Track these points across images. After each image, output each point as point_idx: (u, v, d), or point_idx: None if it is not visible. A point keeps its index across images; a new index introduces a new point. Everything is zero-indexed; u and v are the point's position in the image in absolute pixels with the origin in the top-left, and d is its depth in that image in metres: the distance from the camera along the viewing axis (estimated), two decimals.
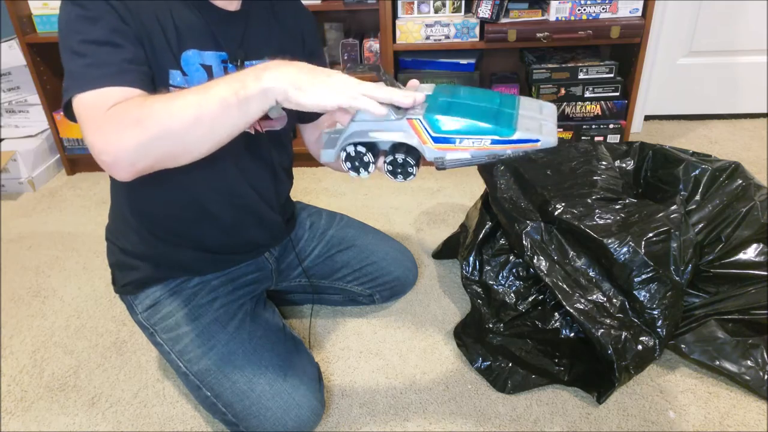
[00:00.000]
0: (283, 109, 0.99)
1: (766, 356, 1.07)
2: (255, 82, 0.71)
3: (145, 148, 0.72)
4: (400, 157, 0.74)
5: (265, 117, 0.96)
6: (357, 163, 0.77)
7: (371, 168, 0.78)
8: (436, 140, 0.73)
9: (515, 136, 0.71)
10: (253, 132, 0.96)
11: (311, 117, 1.12)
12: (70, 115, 0.79)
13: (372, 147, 0.76)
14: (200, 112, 0.71)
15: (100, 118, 0.73)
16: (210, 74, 0.88)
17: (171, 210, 0.97)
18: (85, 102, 0.76)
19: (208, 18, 0.87)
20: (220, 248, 1.05)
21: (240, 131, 0.76)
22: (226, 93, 0.71)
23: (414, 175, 0.77)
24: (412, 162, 0.75)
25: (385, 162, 0.77)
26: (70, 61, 0.78)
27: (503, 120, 0.72)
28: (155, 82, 0.83)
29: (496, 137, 0.71)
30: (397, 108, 0.73)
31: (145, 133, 0.71)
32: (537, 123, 0.73)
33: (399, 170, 0.76)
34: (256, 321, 1.05)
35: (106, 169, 0.75)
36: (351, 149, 0.76)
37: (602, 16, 1.80)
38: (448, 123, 0.71)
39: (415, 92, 0.73)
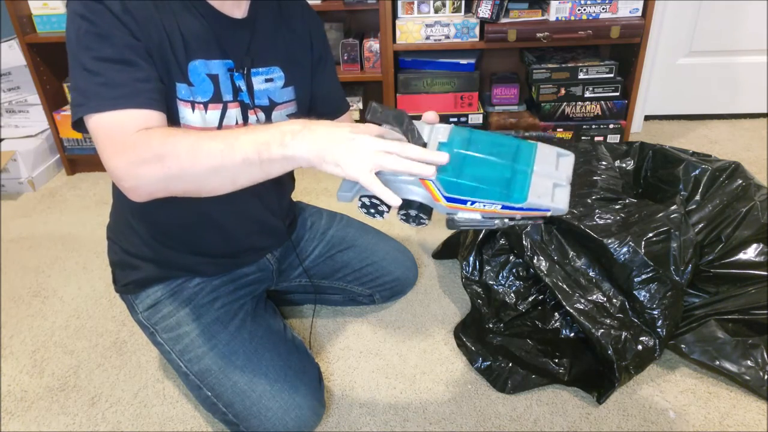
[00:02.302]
0: (288, 116, 0.99)
1: (766, 356, 1.07)
2: (279, 147, 0.70)
3: (164, 183, 0.74)
4: (413, 212, 0.76)
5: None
6: (372, 211, 0.79)
7: (386, 216, 0.79)
8: (448, 200, 0.73)
9: (525, 204, 0.70)
10: None
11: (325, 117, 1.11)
12: (80, 129, 0.80)
13: None
14: (222, 164, 0.72)
15: (121, 144, 0.74)
16: (216, 83, 0.87)
17: (173, 216, 0.97)
18: (102, 124, 0.76)
19: (214, 25, 0.86)
20: (222, 253, 1.05)
21: (260, 182, 0.76)
22: (249, 151, 0.71)
23: (426, 224, 0.78)
24: (424, 216, 0.76)
25: (399, 212, 0.78)
26: (81, 77, 0.77)
27: (516, 182, 0.71)
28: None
29: (506, 203, 0.71)
30: None
31: (166, 171, 0.73)
32: (550, 185, 0.72)
33: (412, 221, 0.78)
34: (257, 321, 1.05)
35: (123, 191, 0.77)
36: (367, 200, 0.77)
37: (602, 16, 1.80)
38: (461, 187, 0.72)
39: (441, 153, 0.71)
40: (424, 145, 0.73)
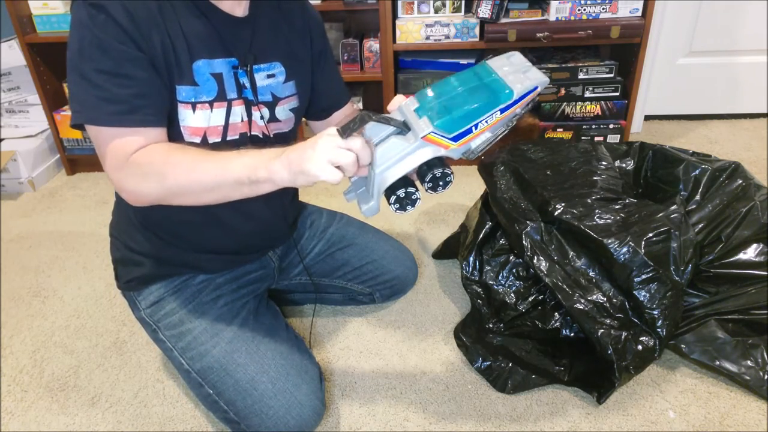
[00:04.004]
0: (291, 110, 1.00)
1: (766, 356, 1.07)
2: (264, 171, 0.76)
3: (164, 198, 0.82)
4: (437, 171, 0.78)
5: (273, 119, 0.97)
6: (406, 202, 0.80)
7: (418, 204, 0.81)
8: (455, 139, 0.75)
9: (516, 96, 0.73)
10: (261, 135, 0.96)
11: (321, 115, 1.13)
12: (78, 128, 0.84)
13: (405, 180, 0.79)
14: (217, 184, 0.78)
15: (122, 160, 0.80)
16: (220, 82, 0.88)
17: (176, 214, 0.97)
18: (103, 137, 0.81)
19: (217, 24, 0.87)
20: (226, 250, 1.05)
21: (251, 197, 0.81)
22: (240, 174, 0.77)
23: (452, 180, 0.80)
24: (448, 171, 0.78)
25: (423, 183, 0.79)
26: (79, 87, 0.79)
27: (497, 89, 0.74)
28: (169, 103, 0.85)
29: (503, 105, 0.74)
30: (407, 128, 0.76)
31: (165, 190, 0.80)
32: (521, 74, 0.75)
33: (440, 182, 0.79)
34: (259, 320, 1.06)
35: (125, 199, 0.84)
36: (402, 193, 0.78)
37: (602, 16, 1.80)
38: (457, 120, 0.74)
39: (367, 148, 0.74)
40: (404, 123, 0.76)
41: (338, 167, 0.72)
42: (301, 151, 0.73)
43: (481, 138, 0.77)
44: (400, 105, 0.80)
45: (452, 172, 0.79)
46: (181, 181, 0.79)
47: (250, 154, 0.78)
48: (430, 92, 0.78)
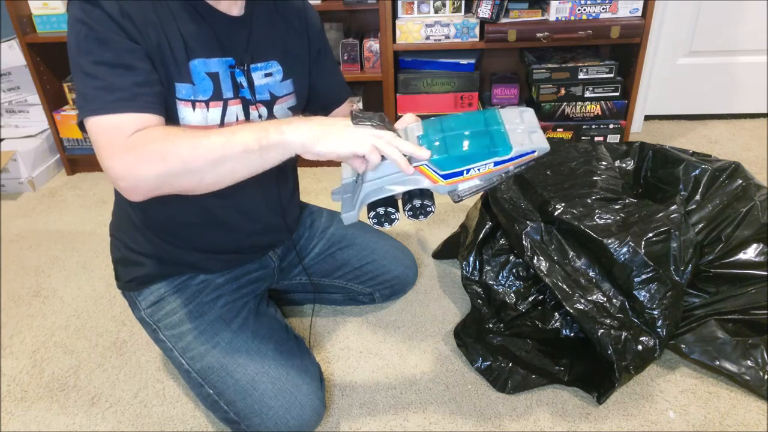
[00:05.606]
0: (289, 109, 1.00)
1: (766, 356, 1.07)
2: (276, 134, 0.75)
3: (166, 180, 0.76)
4: (417, 202, 0.81)
5: (271, 118, 0.98)
6: (383, 220, 0.83)
7: (395, 223, 0.84)
8: (445, 177, 0.78)
9: (513, 153, 0.76)
10: None
11: (321, 113, 1.12)
12: (84, 130, 0.81)
13: (389, 199, 0.82)
14: (223, 155, 0.75)
15: (119, 145, 0.76)
16: (216, 81, 0.88)
17: (176, 213, 0.98)
18: (100, 126, 0.77)
19: (213, 24, 0.87)
20: (225, 250, 1.05)
21: (257, 173, 0.79)
22: (249, 140, 0.75)
23: (433, 212, 0.84)
24: (429, 203, 0.82)
25: (405, 209, 0.83)
26: (81, 81, 0.79)
27: (498, 141, 0.77)
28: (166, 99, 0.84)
29: (497, 159, 0.77)
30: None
31: (167, 168, 0.74)
32: (526, 134, 0.78)
33: (420, 212, 0.83)
34: (260, 320, 1.06)
35: (121, 191, 0.78)
36: (381, 210, 0.82)
37: (602, 16, 1.80)
38: (452, 160, 0.77)
39: (422, 149, 0.78)
40: None
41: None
42: (332, 128, 0.75)
43: (469, 183, 0.80)
44: (406, 127, 0.82)
45: (433, 204, 0.82)
46: (184, 157, 0.74)
47: (258, 123, 0.78)
48: (437, 124, 0.81)
